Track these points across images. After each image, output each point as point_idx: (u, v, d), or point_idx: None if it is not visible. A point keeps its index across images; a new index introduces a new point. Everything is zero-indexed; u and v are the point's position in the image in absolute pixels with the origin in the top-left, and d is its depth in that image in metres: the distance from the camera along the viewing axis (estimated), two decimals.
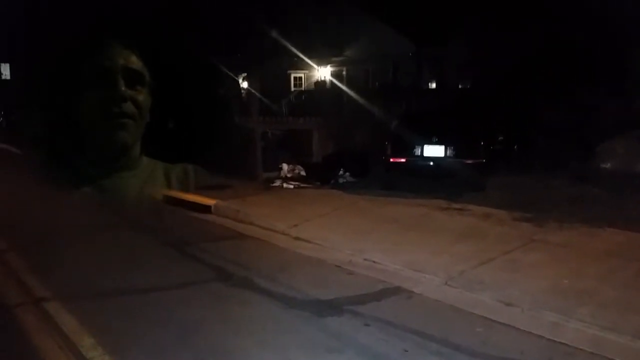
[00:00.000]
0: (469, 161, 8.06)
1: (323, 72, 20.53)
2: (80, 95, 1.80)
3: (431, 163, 8.30)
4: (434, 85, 18.33)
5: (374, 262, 5.14)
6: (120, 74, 1.77)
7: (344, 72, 20.54)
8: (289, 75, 22.33)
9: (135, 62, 1.85)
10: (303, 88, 21.26)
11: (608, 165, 8.91)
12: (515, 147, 10.36)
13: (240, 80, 18.19)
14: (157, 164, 2.02)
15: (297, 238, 6.08)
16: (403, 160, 8.52)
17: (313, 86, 19.92)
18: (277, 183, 9.58)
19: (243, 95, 16.10)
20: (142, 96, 1.82)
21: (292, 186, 9.36)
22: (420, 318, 3.88)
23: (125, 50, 1.87)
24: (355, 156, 10.23)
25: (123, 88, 1.76)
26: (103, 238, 5.31)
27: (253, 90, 12.74)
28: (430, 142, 8.31)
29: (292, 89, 21.47)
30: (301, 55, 17.47)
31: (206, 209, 7.45)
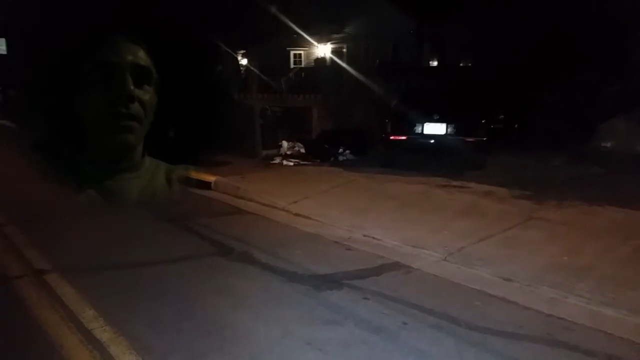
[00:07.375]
0: (470, 139, 8.01)
1: (323, 50, 20.32)
2: (82, 94, 1.73)
3: (432, 141, 8.26)
4: (434, 63, 18.12)
5: (373, 238, 5.15)
6: (128, 71, 1.71)
7: (344, 49, 20.33)
8: (289, 52, 22.12)
9: (143, 58, 1.79)
10: (303, 65, 21.07)
11: (609, 144, 8.89)
12: (516, 125, 10.33)
13: (240, 58, 18.01)
14: (159, 165, 2.00)
15: (296, 214, 6.09)
16: (403, 138, 8.47)
17: (313, 63, 19.71)
18: (277, 160, 9.55)
19: (242, 72, 15.94)
20: (149, 95, 1.77)
21: (291, 163, 9.33)
22: (419, 292, 3.90)
23: (133, 45, 1.80)
24: (355, 134, 10.16)
25: (132, 87, 1.70)
26: (102, 215, 5.30)
27: (252, 68, 12.60)
28: (431, 120, 8.25)
29: (292, 66, 21.27)
30: (301, 32, 17.24)
31: (206, 185, 7.44)
